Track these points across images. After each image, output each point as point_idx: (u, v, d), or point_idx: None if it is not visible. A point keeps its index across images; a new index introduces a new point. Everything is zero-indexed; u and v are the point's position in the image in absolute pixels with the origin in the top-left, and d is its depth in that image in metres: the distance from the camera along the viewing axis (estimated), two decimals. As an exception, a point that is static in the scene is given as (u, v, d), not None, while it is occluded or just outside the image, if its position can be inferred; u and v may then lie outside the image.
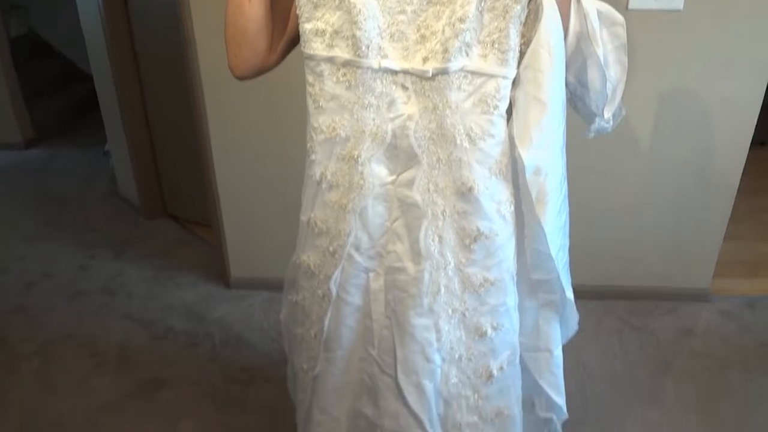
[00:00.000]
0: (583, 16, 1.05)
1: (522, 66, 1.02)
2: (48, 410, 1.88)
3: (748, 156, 2.08)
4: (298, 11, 1.04)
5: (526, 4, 1.00)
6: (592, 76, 1.10)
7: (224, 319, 2.26)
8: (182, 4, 1.95)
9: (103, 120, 3.06)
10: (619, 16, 1.10)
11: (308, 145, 1.13)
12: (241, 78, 1.13)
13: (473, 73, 1.01)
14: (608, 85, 1.10)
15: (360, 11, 0.98)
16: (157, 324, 2.23)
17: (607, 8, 1.09)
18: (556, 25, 1.01)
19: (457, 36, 0.98)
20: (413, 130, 1.05)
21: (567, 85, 1.11)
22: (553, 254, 1.15)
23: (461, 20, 0.97)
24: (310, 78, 1.08)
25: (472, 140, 1.04)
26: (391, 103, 1.04)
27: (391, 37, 1.01)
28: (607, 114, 1.16)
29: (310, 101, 1.09)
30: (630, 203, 2.18)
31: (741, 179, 2.11)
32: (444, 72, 1.00)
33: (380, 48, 1.01)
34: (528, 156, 1.05)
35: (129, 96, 2.73)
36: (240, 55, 1.08)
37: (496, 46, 1.00)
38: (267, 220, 2.25)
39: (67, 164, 3.63)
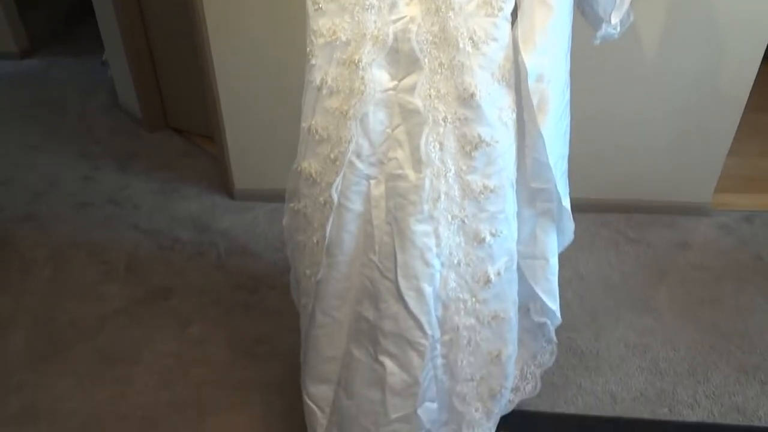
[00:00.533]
0: None
1: None
2: (60, 315, 1.95)
3: (758, 72, 2.03)
4: None
5: None
6: None
7: (229, 229, 2.30)
8: None
9: (99, 28, 2.99)
10: None
11: (308, 49, 1.11)
12: None
13: None
14: None
15: None
16: (163, 234, 2.28)
17: None
18: None
19: None
20: (415, 33, 1.03)
21: None
22: (552, 163, 1.16)
23: None
24: None
25: (475, 44, 1.03)
26: (393, 5, 1.01)
27: None
28: (615, 20, 1.15)
29: (309, 3, 1.07)
30: (633, 115, 2.15)
31: (748, 95, 2.08)
32: None
33: None
34: (531, 61, 1.04)
35: (126, 3, 2.65)
36: None
37: None
38: (270, 132, 2.25)
39: (65, 74, 3.57)
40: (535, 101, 1.07)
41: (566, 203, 1.27)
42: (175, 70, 2.78)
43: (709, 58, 2.02)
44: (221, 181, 2.49)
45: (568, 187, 1.27)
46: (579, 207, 1.30)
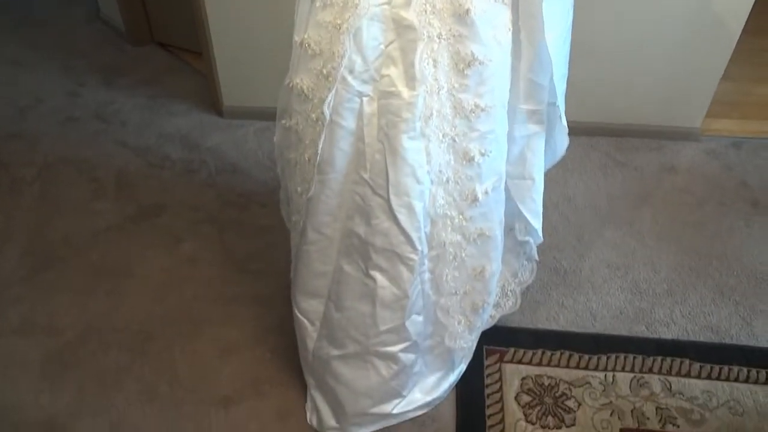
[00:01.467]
0: None
1: None
2: (53, 231, 1.96)
3: None
4: None
5: None
6: None
7: (219, 147, 2.28)
8: None
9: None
10: None
11: None
12: None
13: None
14: None
15: None
16: (152, 151, 2.26)
17: None
18: None
19: None
20: None
21: None
22: (556, 80, 1.16)
23: None
24: None
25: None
26: None
27: None
28: None
29: None
30: (626, 37, 2.12)
31: (747, 18, 2.04)
32: None
33: None
34: None
35: None
36: None
37: None
38: (259, 48, 2.19)
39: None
40: (546, 22, 1.05)
41: (564, 121, 1.28)
42: (159, -20, 2.67)
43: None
44: (210, 98, 2.45)
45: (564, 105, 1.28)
46: (570, 130, 1.31)
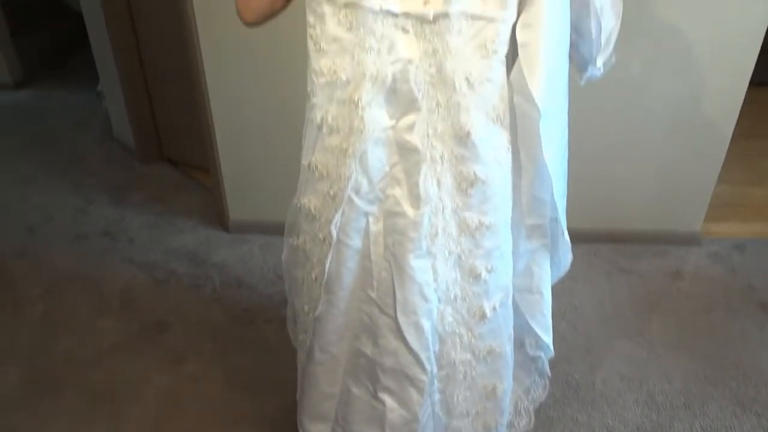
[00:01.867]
0: None
1: (529, 11, 1.01)
2: (55, 351, 1.93)
3: (746, 97, 2.06)
4: None
5: None
6: (588, 24, 1.12)
7: (224, 262, 2.30)
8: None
9: (94, 58, 3.02)
10: None
11: (309, 88, 1.13)
12: (250, 24, 1.12)
13: (473, 16, 1.01)
14: (602, 33, 1.12)
15: None
16: (158, 268, 2.28)
17: None
18: None
19: None
20: (413, 74, 1.05)
21: None
22: (556, 199, 1.18)
23: None
24: (311, 19, 1.07)
25: (470, 85, 1.05)
26: (392, 47, 1.04)
27: None
28: (600, 62, 1.19)
29: (310, 43, 1.09)
30: (621, 144, 2.18)
31: (736, 121, 2.11)
32: (445, 15, 1.00)
33: None
34: (537, 102, 1.05)
35: (121, 35, 2.67)
36: (247, 1, 1.08)
37: None
38: (264, 163, 2.26)
39: (60, 105, 3.58)
40: (543, 141, 1.09)
41: (567, 237, 1.29)
42: (170, 100, 2.80)
43: (695, 85, 2.06)
44: (216, 214, 2.50)
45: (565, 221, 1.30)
46: (571, 238, 1.32)
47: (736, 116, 2.11)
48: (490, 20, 1.02)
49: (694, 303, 2.09)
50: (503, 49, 1.04)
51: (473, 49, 1.03)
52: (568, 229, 1.31)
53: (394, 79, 1.06)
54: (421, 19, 1.01)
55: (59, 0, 4.40)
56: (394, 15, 1.02)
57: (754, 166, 2.85)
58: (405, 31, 1.03)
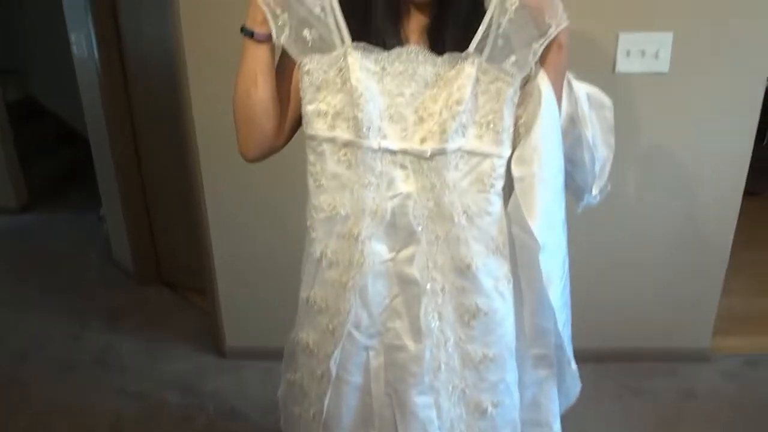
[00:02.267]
0: (574, 100, 1.10)
1: (524, 146, 1.04)
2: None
3: (741, 208, 2.08)
4: (300, 93, 1.06)
5: (519, 87, 1.04)
6: (582, 155, 1.15)
7: (219, 390, 2.21)
8: (180, 69, 2.00)
9: (98, 184, 3.08)
10: (606, 99, 1.15)
11: (308, 222, 1.14)
12: (252, 161, 1.15)
13: (470, 152, 1.04)
14: (596, 164, 1.15)
15: (361, 94, 1.01)
16: (150, 397, 2.19)
17: (596, 91, 1.14)
18: (553, 107, 1.05)
19: (454, 117, 1.01)
20: (412, 209, 1.06)
21: None
22: (560, 329, 1.16)
23: (458, 102, 1.00)
24: (311, 157, 1.09)
25: (469, 218, 1.06)
26: (391, 182, 1.06)
27: (390, 118, 1.04)
28: (595, 191, 1.21)
29: (310, 180, 1.11)
30: (621, 264, 2.18)
31: (734, 233, 2.11)
32: (442, 152, 1.03)
33: (380, 129, 1.03)
34: (537, 235, 1.06)
35: (125, 160, 2.75)
36: (250, 138, 1.11)
37: (491, 126, 1.03)
38: (262, 289, 2.24)
39: (62, 229, 3.62)
40: (544, 272, 1.08)
41: (574, 366, 1.25)
42: (170, 225, 2.83)
43: (690, 201, 2.08)
44: (212, 339, 2.44)
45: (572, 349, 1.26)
46: (577, 358, 1.28)
47: (734, 228, 2.12)
48: (486, 156, 1.04)
49: (711, 425, 2.00)
50: (500, 182, 1.06)
51: (470, 183, 1.05)
52: (574, 349, 1.28)
53: (394, 214, 1.07)
54: (418, 156, 1.04)
55: (68, 125, 4.60)
56: (393, 152, 1.05)
57: (757, 276, 2.84)
58: (403, 167, 1.05)
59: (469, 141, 1.03)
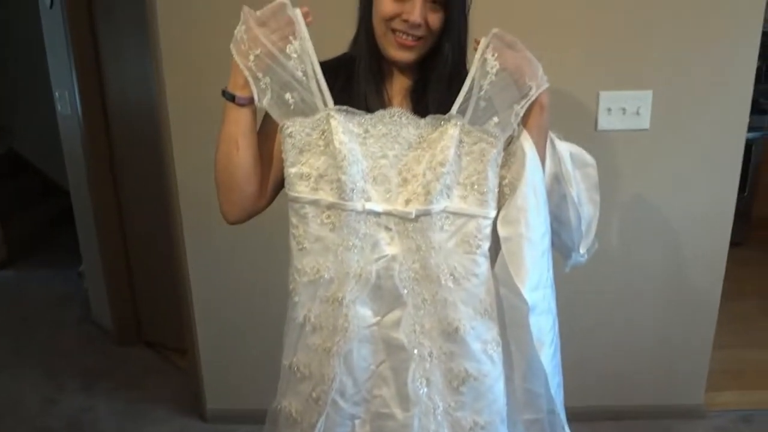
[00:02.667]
0: (557, 159, 1.11)
1: (509, 206, 1.04)
2: None
3: (727, 262, 2.07)
4: (283, 155, 1.05)
5: (503, 147, 1.04)
6: (568, 214, 1.15)
7: (199, 456, 2.12)
8: (163, 128, 1.99)
9: (78, 240, 3.02)
10: (590, 158, 1.16)
11: (291, 287, 1.11)
12: (233, 223, 1.13)
13: (455, 213, 1.03)
14: (582, 221, 1.15)
15: (345, 157, 1.00)
16: (126, 464, 2.09)
17: (579, 150, 1.16)
18: (537, 167, 1.05)
19: (438, 179, 1.00)
20: (397, 271, 1.05)
21: None
22: (552, 392, 1.12)
23: (441, 164, 1.00)
24: (294, 220, 1.08)
25: (456, 280, 1.05)
26: (375, 245, 1.04)
27: (374, 180, 1.03)
28: (583, 249, 1.21)
29: (293, 243, 1.09)
30: (611, 319, 2.15)
31: (722, 286, 2.10)
32: (426, 213, 1.02)
33: (363, 191, 1.03)
34: (526, 296, 1.04)
35: (106, 216, 2.71)
36: (231, 200, 1.09)
37: (476, 187, 1.03)
38: (245, 350, 2.18)
39: (40, 286, 3.54)
40: (534, 334, 1.06)
41: (567, 430, 1.21)
42: (151, 283, 2.76)
43: (677, 255, 2.07)
44: (193, 401, 2.35)
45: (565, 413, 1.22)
46: (570, 417, 1.24)
47: (722, 280, 2.11)
48: (472, 216, 1.04)
49: (710, 487, 1.93)
50: (486, 243, 1.05)
51: (456, 244, 1.04)
52: (566, 408, 1.24)
53: (378, 276, 1.05)
54: (403, 218, 1.03)
55: (51, 180, 4.56)
56: (377, 214, 1.03)
57: (747, 327, 2.82)
58: (388, 229, 1.04)
59: (454, 202, 1.03)
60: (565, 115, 1.83)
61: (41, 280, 3.62)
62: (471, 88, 1.01)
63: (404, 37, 1.02)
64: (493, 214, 1.04)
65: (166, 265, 2.33)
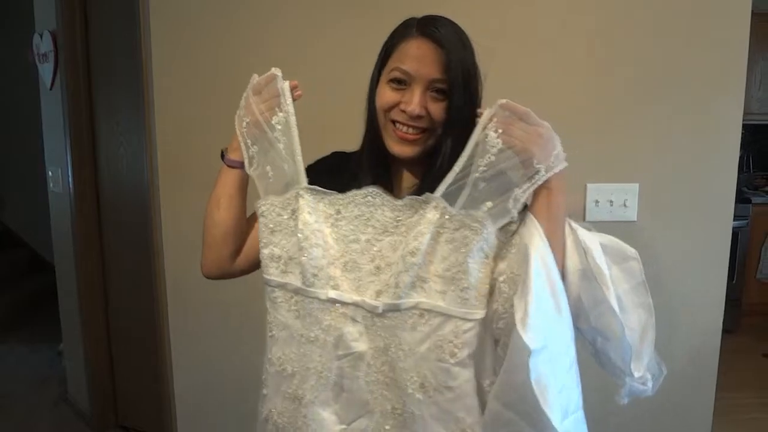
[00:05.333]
0: (582, 252, 0.93)
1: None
2: None
3: (721, 352, 2.02)
4: (258, 235, 1.01)
5: (493, 236, 0.89)
6: (608, 323, 0.93)
7: None
8: (153, 214, 1.98)
9: (60, 316, 2.95)
10: (630, 250, 0.98)
11: (263, 377, 1.04)
12: (207, 277, 1.10)
13: (429, 311, 0.90)
14: (627, 332, 0.93)
15: (306, 237, 0.93)
16: None
17: (614, 241, 0.97)
18: (549, 262, 0.88)
19: (407, 270, 0.89)
20: (364, 372, 0.94)
21: (584, 335, 0.98)
22: None
23: (412, 253, 0.89)
24: (267, 303, 1.02)
25: (426, 391, 0.91)
26: (340, 339, 0.94)
27: (344, 266, 0.95)
28: (637, 372, 0.97)
29: (267, 329, 1.02)
30: (604, 417, 2.08)
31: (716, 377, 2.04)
32: (394, 309, 0.91)
33: (330, 278, 0.94)
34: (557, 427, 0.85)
35: (90, 296, 2.66)
36: (207, 256, 1.07)
37: (455, 282, 0.89)
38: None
39: (18, 364, 3.43)
40: None
41: None
42: (132, 366, 2.68)
43: (668, 348, 2.01)
44: (169, 494, 2.24)
45: None
46: None
47: (716, 374, 2.05)
48: (449, 317, 0.89)
49: None
50: (464, 351, 0.90)
51: (429, 349, 0.90)
52: None
53: (342, 376, 0.95)
54: (371, 311, 0.92)
55: (39, 255, 4.52)
56: (344, 304, 0.94)
57: (741, 419, 2.74)
58: (355, 322, 0.94)
59: (431, 297, 0.89)
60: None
61: (19, 358, 3.51)
62: (465, 167, 0.87)
63: (404, 129, 0.95)
64: (477, 315, 0.89)
65: (149, 348, 2.26)
